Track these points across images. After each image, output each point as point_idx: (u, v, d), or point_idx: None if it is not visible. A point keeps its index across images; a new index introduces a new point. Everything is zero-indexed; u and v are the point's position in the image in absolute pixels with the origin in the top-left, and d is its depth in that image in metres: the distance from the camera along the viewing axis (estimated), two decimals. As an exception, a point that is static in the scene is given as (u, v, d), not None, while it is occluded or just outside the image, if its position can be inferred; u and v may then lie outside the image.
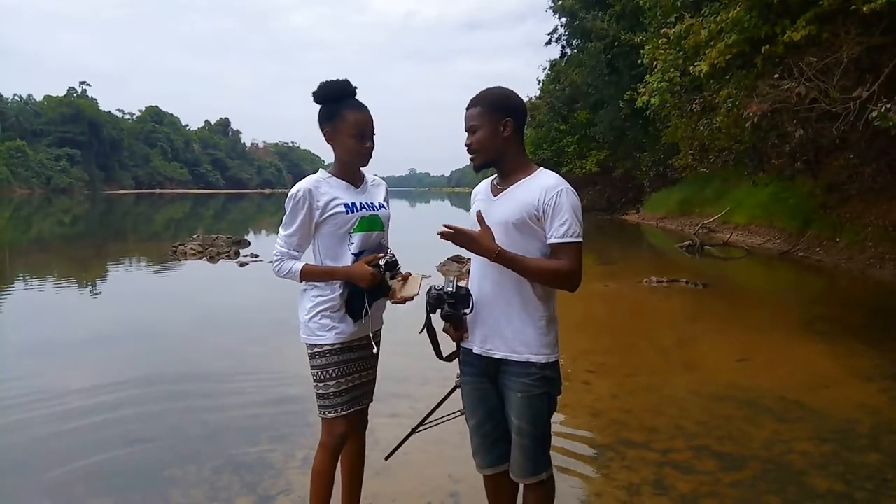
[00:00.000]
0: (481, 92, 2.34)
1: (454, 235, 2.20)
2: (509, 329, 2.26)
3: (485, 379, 2.37)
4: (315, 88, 2.54)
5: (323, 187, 2.55)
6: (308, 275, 2.53)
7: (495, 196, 2.35)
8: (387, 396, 4.61)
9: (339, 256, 2.57)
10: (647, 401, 4.78)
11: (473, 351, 2.36)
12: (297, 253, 2.55)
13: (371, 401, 2.75)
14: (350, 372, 2.61)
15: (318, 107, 2.58)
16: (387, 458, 2.85)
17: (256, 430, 4.23)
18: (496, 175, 2.40)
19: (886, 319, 8.07)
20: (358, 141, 2.53)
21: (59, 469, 3.70)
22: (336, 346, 2.56)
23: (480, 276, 2.35)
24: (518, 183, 2.29)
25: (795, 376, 5.52)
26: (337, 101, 2.54)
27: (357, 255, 2.55)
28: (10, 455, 3.95)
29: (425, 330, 2.44)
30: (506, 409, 2.34)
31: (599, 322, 8.20)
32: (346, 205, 2.55)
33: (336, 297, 2.53)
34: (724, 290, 10.67)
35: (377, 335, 2.72)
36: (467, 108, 2.32)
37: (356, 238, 2.56)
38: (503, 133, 2.27)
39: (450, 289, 2.30)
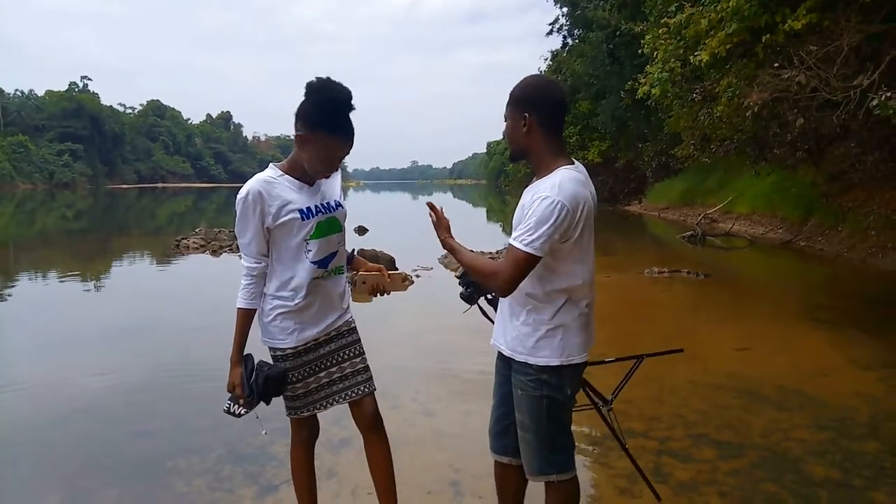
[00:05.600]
0: (519, 82, 2.28)
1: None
2: (514, 330, 2.26)
3: (507, 365, 2.38)
4: (315, 86, 2.26)
5: (275, 189, 2.33)
6: (237, 317, 2.41)
7: None
8: (388, 388, 4.65)
9: (296, 264, 2.39)
10: (647, 390, 4.80)
11: (491, 342, 2.42)
12: (260, 264, 2.39)
13: (367, 392, 2.56)
14: (320, 368, 2.51)
15: (307, 101, 2.30)
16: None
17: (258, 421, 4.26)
18: None
19: (887, 309, 8.07)
20: (324, 165, 2.36)
21: (64, 460, 3.76)
22: (299, 348, 2.47)
23: None
24: (531, 185, 2.23)
25: (795, 365, 5.54)
26: (326, 115, 2.28)
27: (316, 263, 2.39)
28: (17, 447, 4.00)
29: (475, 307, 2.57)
30: None
31: (600, 312, 8.12)
32: (300, 210, 2.34)
33: (297, 304, 2.41)
34: (726, 279, 10.68)
35: (348, 324, 2.57)
36: None
37: (314, 245, 2.38)
38: (523, 128, 2.20)
39: (457, 274, 2.53)
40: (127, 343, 6.55)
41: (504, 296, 2.18)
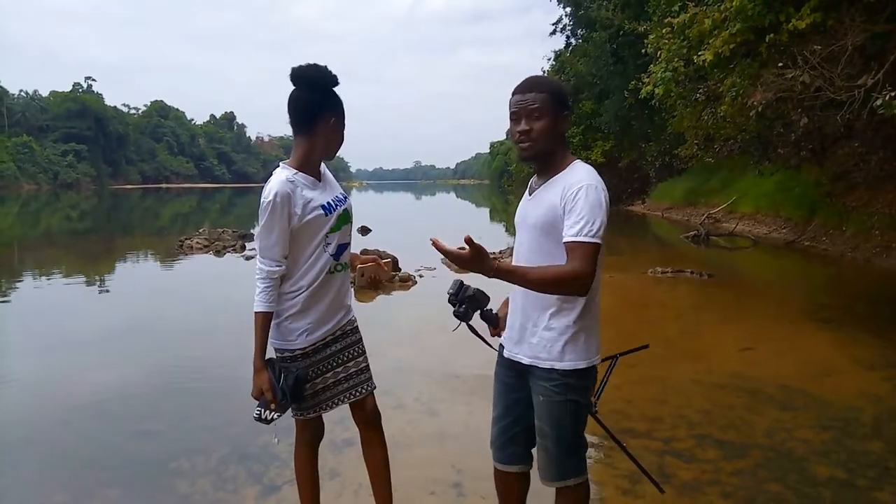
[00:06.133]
0: (539, 78, 2.21)
1: (445, 254, 2.02)
2: (535, 337, 2.20)
3: (512, 373, 2.32)
4: (312, 74, 2.36)
5: (297, 189, 2.33)
6: (256, 322, 2.39)
7: (531, 196, 2.27)
8: (391, 388, 4.66)
9: (313, 260, 2.40)
10: (650, 390, 4.80)
11: (503, 353, 2.35)
12: (281, 266, 2.36)
13: (369, 391, 2.58)
14: (327, 369, 2.51)
15: (307, 90, 2.38)
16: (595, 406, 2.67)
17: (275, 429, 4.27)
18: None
19: (891, 308, 8.04)
20: (341, 141, 2.46)
21: (66, 460, 3.77)
22: (308, 349, 2.47)
23: None
24: (549, 182, 2.18)
25: (799, 365, 5.53)
26: (334, 95, 2.41)
27: (334, 255, 2.43)
28: (21, 448, 4.00)
29: (464, 326, 2.40)
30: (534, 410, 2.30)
31: (603, 313, 8.17)
32: (323, 206, 2.38)
33: (309, 303, 2.42)
34: (730, 279, 10.66)
35: (351, 322, 2.59)
36: (523, 92, 2.14)
37: (334, 238, 2.42)
38: (561, 127, 2.18)
39: (450, 290, 2.32)
40: (129, 343, 6.55)
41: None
